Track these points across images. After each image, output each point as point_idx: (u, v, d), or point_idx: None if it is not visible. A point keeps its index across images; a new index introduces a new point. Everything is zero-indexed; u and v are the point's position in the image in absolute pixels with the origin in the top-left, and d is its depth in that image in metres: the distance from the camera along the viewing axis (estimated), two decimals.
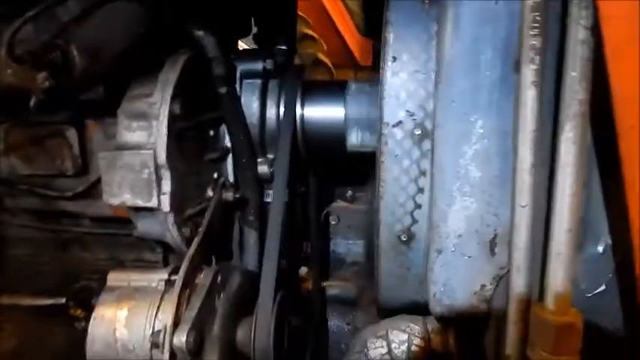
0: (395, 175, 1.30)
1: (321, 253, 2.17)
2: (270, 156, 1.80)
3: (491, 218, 1.24)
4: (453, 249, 1.28)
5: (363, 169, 2.36)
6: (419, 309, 1.58)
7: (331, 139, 1.78)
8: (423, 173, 1.29)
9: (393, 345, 1.53)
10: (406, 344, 1.52)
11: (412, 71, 1.25)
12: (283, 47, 1.77)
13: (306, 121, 1.76)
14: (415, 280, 1.46)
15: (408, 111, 1.27)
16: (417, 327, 1.55)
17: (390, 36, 1.29)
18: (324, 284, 2.23)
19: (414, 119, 1.27)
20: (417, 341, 1.52)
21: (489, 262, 1.27)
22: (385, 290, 1.50)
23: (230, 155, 1.72)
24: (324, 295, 2.21)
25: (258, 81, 1.72)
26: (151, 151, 1.36)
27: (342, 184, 2.38)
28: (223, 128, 1.69)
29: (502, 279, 1.29)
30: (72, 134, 1.55)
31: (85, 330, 1.36)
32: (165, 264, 1.71)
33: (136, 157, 1.36)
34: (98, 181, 1.57)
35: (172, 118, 1.40)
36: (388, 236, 1.38)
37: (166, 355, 1.24)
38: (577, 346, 1.02)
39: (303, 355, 1.90)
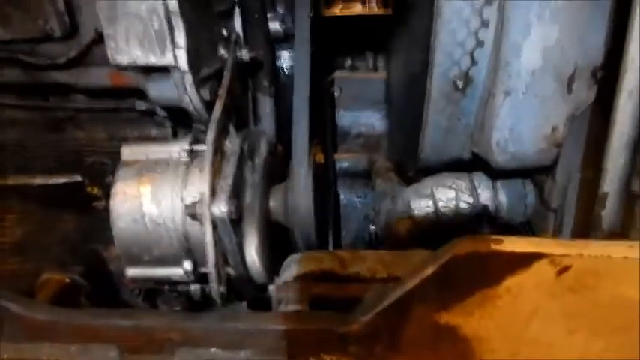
0: (455, 6, 1.10)
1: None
2: (281, 10, 1.57)
3: (572, 49, 1.07)
4: (524, 89, 1.12)
5: (360, 33, 2.18)
6: (462, 167, 1.47)
7: None
8: (488, 2, 1.09)
9: (440, 203, 1.41)
10: (454, 202, 1.41)
11: None
12: None
13: None
14: (464, 132, 1.32)
15: None
16: (463, 183, 1.43)
17: None
18: (335, 157, 2.09)
19: None
20: (465, 197, 1.41)
21: (565, 101, 1.13)
22: (430, 146, 1.36)
23: (237, 10, 1.49)
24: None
25: None
26: None
27: (339, 53, 2.18)
28: None
29: (576, 120, 1.16)
30: None
31: (105, 209, 1.21)
32: None
33: (142, 2, 1.13)
34: (93, 43, 1.35)
35: None
36: (441, 83, 1.21)
37: (208, 227, 1.10)
38: None
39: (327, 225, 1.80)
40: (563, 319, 0.80)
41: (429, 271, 0.80)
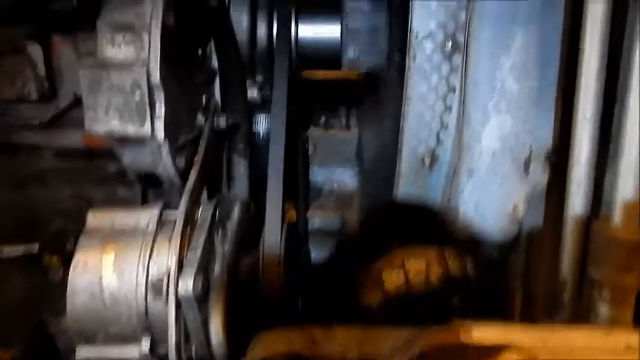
0: (422, 93, 1.20)
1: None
2: (260, 78, 1.64)
3: (526, 135, 1.18)
4: (485, 168, 1.20)
5: (333, 93, 2.26)
6: (432, 238, 1.52)
7: (325, 57, 1.64)
8: (452, 90, 1.19)
9: (411, 275, 1.46)
10: (424, 273, 1.46)
11: None
12: None
13: (300, 39, 1.61)
14: (433, 206, 1.38)
15: (438, 22, 1.16)
16: (433, 255, 1.48)
17: None
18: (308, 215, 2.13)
19: (445, 30, 1.17)
20: (435, 269, 1.46)
21: (523, 180, 1.21)
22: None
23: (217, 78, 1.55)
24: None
25: None
26: (144, 69, 1.17)
27: (313, 111, 2.25)
28: (210, 47, 1.50)
29: (534, 198, 1.24)
30: (36, 51, 1.32)
31: (62, 281, 1.15)
32: (144, 202, 1.55)
33: (127, 76, 1.17)
34: (69, 107, 1.38)
35: (165, 32, 1.21)
36: (410, 159, 1.28)
37: (172, 305, 1.06)
38: None
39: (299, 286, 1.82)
40: None
41: None
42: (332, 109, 2.29)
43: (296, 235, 1.51)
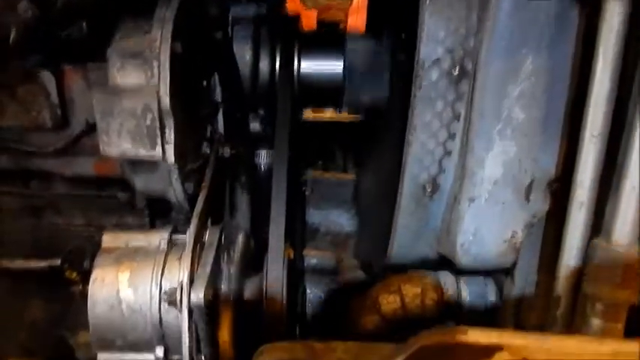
0: (426, 120, 1.22)
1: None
2: (261, 112, 1.68)
3: (529, 163, 1.19)
4: (486, 196, 1.22)
5: (331, 135, 2.31)
6: (428, 265, 1.54)
7: (327, 94, 1.69)
8: (456, 117, 1.21)
9: (407, 299, 1.47)
10: (420, 297, 1.47)
11: (452, 6, 1.17)
12: None
13: (302, 75, 1.65)
14: (431, 235, 1.40)
15: (446, 48, 1.17)
16: (429, 281, 1.50)
17: None
18: (304, 253, 2.14)
19: (453, 57, 1.17)
20: (430, 294, 1.47)
21: (523, 208, 1.23)
22: (399, 246, 1.43)
23: (220, 111, 1.59)
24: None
25: (251, 28, 1.59)
26: (154, 94, 1.21)
27: (311, 153, 2.30)
28: (214, 80, 1.55)
29: (533, 227, 1.26)
30: (49, 80, 1.36)
31: (82, 294, 1.23)
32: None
33: (138, 101, 1.21)
34: (81, 134, 1.41)
35: (174, 59, 1.25)
36: (412, 188, 1.30)
37: (185, 312, 1.14)
38: None
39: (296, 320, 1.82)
40: None
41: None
42: (329, 152, 2.34)
43: (294, 269, 1.53)
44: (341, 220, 2.15)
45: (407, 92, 1.24)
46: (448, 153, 1.25)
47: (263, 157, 1.75)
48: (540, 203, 1.23)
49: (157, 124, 1.22)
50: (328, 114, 2.43)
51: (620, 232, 0.97)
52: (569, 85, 1.11)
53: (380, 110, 1.62)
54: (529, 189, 1.21)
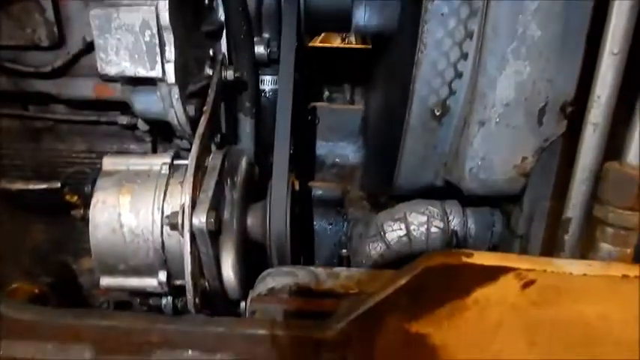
0: (438, 38, 1.16)
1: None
2: (267, 35, 1.62)
3: (544, 84, 1.14)
4: (497, 120, 1.18)
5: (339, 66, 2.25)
6: (433, 193, 1.51)
7: (335, 17, 1.62)
8: (469, 35, 1.15)
9: (412, 227, 1.46)
10: (425, 226, 1.45)
11: None
12: None
13: None
14: (438, 160, 1.37)
15: None
16: (435, 209, 1.48)
17: None
18: (310, 184, 2.13)
19: None
20: (436, 223, 1.46)
21: (534, 133, 1.19)
22: (406, 173, 1.41)
23: (224, 32, 1.53)
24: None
25: None
26: (153, 9, 1.16)
27: (318, 84, 2.24)
28: None
29: (544, 151, 1.22)
30: None
31: (82, 218, 1.22)
32: None
33: (136, 16, 1.16)
34: (80, 53, 1.37)
35: None
36: (420, 111, 1.26)
37: (187, 235, 1.11)
38: None
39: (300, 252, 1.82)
40: (524, 333, 0.84)
41: (402, 281, 0.83)
42: (337, 83, 2.29)
43: (298, 198, 1.52)
44: (347, 152, 2.12)
45: (418, 11, 1.18)
46: (459, 75, 1.20)
47: (267, 83, 1.70)
48: (553, 127, 1.19)
49: (157, 40, 1.18)
50: (337, 42, 2.36)
51: (635, 154, 0.93)
52: None
53: (389, 36, 1.56)
54: (542, 112, 1.17)
